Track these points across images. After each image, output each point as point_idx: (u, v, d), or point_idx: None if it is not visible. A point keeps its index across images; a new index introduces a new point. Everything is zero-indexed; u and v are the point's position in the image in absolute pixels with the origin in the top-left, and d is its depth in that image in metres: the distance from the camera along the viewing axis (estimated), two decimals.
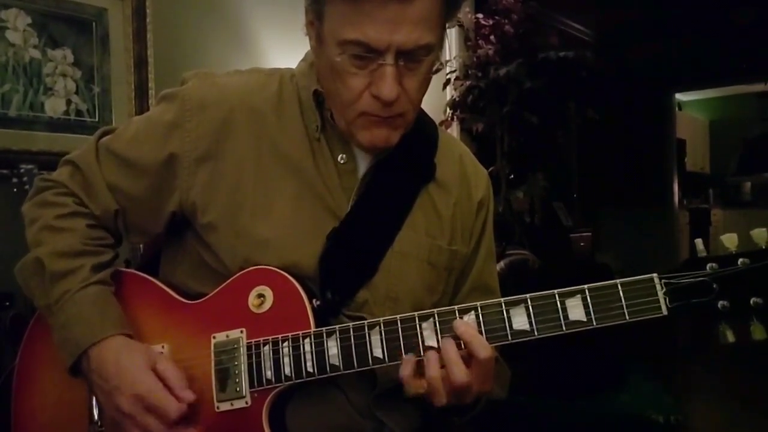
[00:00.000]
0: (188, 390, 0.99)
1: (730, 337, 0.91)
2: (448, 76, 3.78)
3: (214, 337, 1.05)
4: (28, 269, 1.09)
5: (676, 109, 7.91)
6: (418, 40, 0.95)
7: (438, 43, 1.00)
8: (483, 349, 0.94)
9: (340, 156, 1.11)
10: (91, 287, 1.06)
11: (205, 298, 1.08)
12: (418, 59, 0.98)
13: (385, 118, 1.02)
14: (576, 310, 0.93)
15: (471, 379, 0.94)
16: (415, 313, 0.98)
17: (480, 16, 3.82)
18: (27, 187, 2.08)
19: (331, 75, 1.02)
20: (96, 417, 1.08)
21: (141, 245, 1.53)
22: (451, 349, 0.95)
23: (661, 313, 0.91)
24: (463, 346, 0.95)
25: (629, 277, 0.93)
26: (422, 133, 1.16)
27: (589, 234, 5.13)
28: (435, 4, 0.97)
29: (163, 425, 0.97)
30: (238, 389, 1.02)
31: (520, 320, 0.95)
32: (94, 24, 2.55)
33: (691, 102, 8.97)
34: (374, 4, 0.92)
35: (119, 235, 1.17)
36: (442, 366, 0.95)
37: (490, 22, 3.77)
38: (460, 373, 0.94)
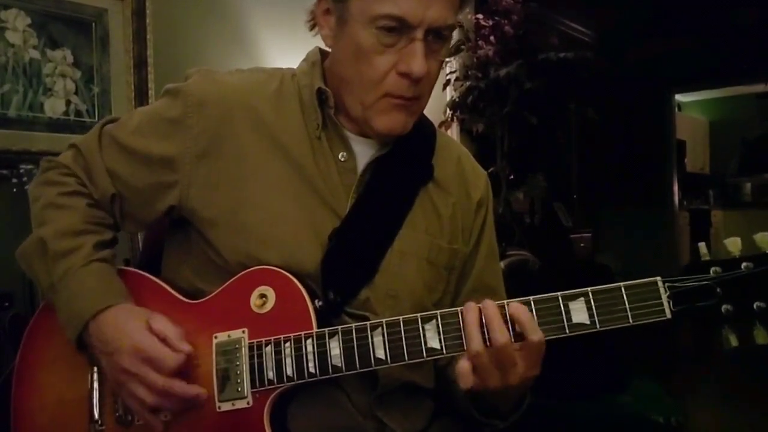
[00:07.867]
0: (186, 342, 1.01)
1: (733, 342, 0.90)
2: (448, 77, 3.78)
3: (215, 337, 1.04)
4: (31, 251, 1.10)
5: (676, 109, 7.90)
6: (447, 18, 1.01)
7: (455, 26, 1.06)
8: (534, 332, 0.92)
9: (341, 154, 1.11)
10: (93, 264, 1.08)
11: (207, 297, 1.08)
12: (443, 37, 1.03)
13: (406, 100, 1.04)
14: (579, 313, 0.93)
15: (511, 342, 0.92)
16: (418, 315, 0.97)
17: (480, 16, 3.82)
18: (27, 187, 2.08)
19: (354, 57, 1.03)
20: (96, 416, 1.07)
21: (140, 246, 1.53)
22: (491, 307, 0.93)
23: (665, 316, 0.91)
24: (511, 329, 0.93)
25: (629, 277, 0.93)
26: (420, 134, 1.17)
27: (589, 234, 5.13)
28: None
29: (161, 377, 0.98)
30: (239, 389, 1.02)
31: None
32: (93, 24, 2.55)
33: (691, 103, 8.96)
34: None
35: (116, 220, 1.18)
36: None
37: (490, 22, 3.77)
38: (501, 333, 0.91)
